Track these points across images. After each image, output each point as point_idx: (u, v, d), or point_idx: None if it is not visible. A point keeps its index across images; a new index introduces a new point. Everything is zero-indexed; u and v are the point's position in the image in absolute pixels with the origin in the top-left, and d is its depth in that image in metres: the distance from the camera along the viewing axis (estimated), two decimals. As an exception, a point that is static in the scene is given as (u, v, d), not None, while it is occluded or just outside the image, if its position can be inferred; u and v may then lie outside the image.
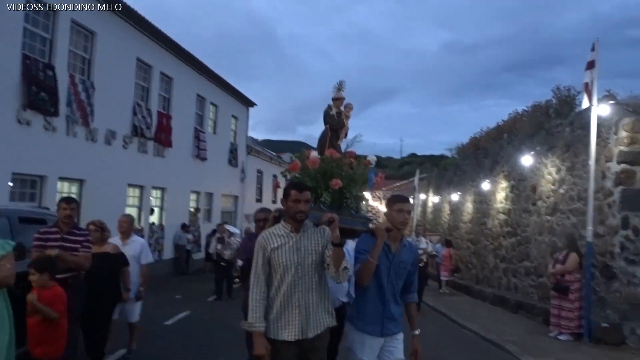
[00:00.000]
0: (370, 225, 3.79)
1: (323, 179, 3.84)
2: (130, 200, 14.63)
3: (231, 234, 12.27)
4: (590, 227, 8.39)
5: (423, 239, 12.69)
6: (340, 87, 4.44)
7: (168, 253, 16.56)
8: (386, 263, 3.45)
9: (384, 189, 41.95)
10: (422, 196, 24.00)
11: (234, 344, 7.75)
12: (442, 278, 15.23)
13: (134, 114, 14.07)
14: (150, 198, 15.63)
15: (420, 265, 10.52)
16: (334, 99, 4.44)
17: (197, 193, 19.11)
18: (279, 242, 3.21)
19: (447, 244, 15.57)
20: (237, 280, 13.10)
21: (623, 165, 8.46)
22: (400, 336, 3.58)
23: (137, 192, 14.93)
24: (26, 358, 4.26)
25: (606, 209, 8.80)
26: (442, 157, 44.18)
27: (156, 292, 12.88)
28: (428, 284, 14.14)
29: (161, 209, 16.50)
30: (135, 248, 6.35)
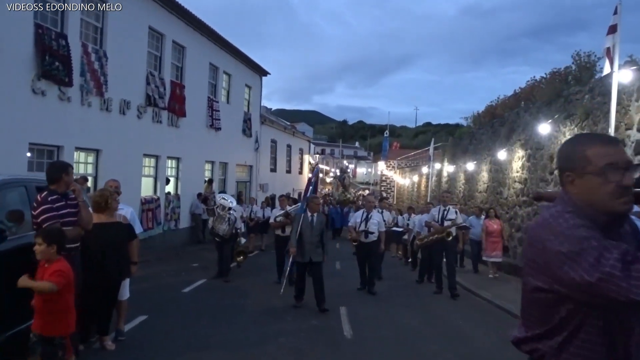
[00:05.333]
0: None
1: None
2: (146, 170, 14.74)
3: (224, 207, 10.33)
4: (608, 196, 8.26)
5: (452, 209, 10.46)
6: None
7: (184, 222, 16.76)
8: None
9: (398, 158, 41.80)
10: (437, 165, 23.85)
11: (247, 310, 7.93)
12: (490, 259, 11.94)
13: (147, 83, 14.04)
14: (166, 168, 15.75)
15: (449, 239, 9.93)
16: None
17: (212, 163, 19.19)
18: None
19: (492, 215, 12.16)
20: (239, 259, 11.22)
21: (644, 133, 8.28)
22: None
23: (152, 162, 15.03)
24: (40, 337, 3.97)
25: (625, 177, 8.65)
26: (457, 125, 43.79)
27: (175, 260, 13.15)
28: (464, 266, 13.20)
29: (177, 178, 16.62)
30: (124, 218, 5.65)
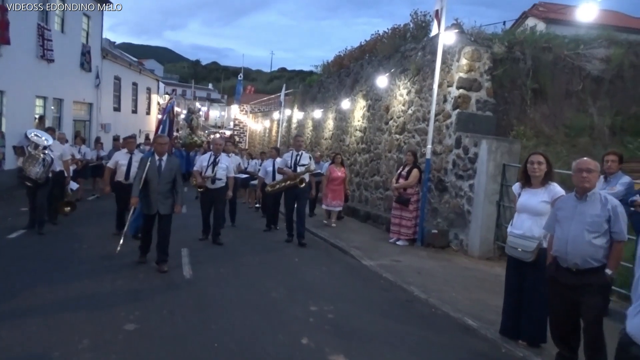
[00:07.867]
0: None
1: None
2: (-39, 104, 12.94)
3: (38, 146, 8.91)
4: (429, 146, 9.31)
5: (305, 154, 9.91)
6: None
7: (11, 163, 15.13)
8: None
9: (252, 102, 41.63)
10: (288, 111, 24.32)
11: (82, 257, 7.65)
12: (329, 208, 11.69)
13: (-40, 2, 12.12)
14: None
15: (302, 186, 9.38)
16: None
17: (44, 98, 17.38)
18: None
19: (338, 161, 11.71)
20: (67, 209, 10.52)
21: (461, 91, 9.37)
22: None
23: (-32, 94, 13.22)
24: None
25: (444, 130, 9.77)
26: (311, 73, 44.59)
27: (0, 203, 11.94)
28: (315, 214, 12.64)
29: (0, 114, 14.83)
30: None
